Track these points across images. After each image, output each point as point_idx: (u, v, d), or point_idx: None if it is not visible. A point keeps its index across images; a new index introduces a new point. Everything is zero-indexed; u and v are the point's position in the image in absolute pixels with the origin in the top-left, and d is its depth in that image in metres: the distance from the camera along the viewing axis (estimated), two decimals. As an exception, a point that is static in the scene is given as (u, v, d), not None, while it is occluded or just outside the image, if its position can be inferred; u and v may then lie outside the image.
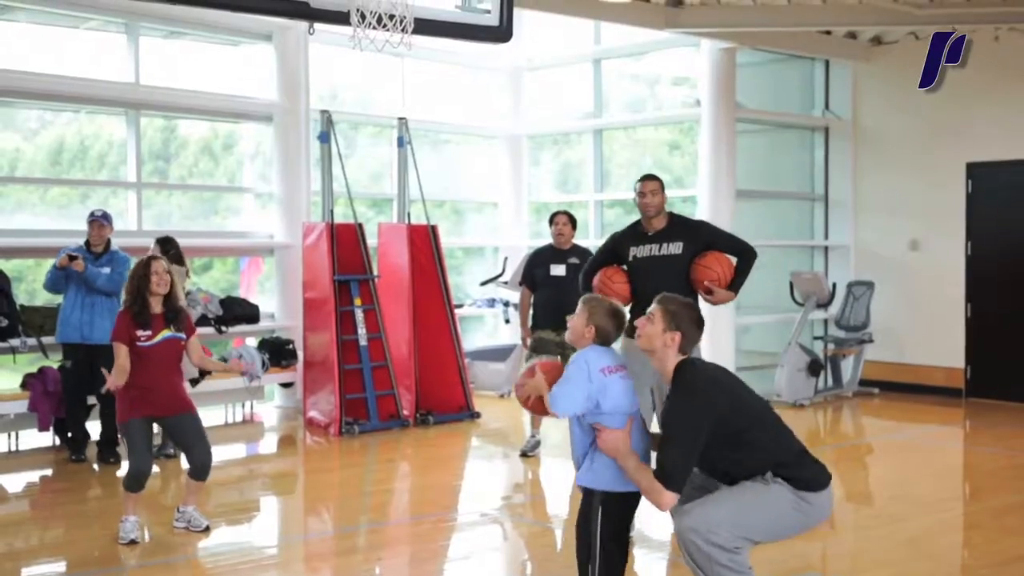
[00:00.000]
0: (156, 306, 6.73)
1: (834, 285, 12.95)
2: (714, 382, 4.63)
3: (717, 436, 4.50)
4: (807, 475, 4.62)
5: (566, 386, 4.65)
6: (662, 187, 6.79)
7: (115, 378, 6.54)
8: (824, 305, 12.83)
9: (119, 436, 8.74)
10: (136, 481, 6.69)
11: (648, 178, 6.84)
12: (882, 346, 12.94)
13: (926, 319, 12.79)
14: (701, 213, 12.49)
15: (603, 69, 14.27)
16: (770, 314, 13.44)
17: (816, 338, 13.32)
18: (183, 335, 6.82)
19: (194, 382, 9.50)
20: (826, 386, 12.82)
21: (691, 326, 4.68)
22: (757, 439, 4.61)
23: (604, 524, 4.74)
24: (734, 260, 6.72)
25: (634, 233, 6.84)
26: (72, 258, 8.70)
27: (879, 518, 7.60)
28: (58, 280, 8.93)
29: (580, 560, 4.86)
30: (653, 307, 4.73)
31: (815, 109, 13.88)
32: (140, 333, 6.65)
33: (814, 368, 12.25)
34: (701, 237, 6.74)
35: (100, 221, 9.09)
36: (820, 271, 13.46)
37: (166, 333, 6.72)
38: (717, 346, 12.30)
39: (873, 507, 8.16)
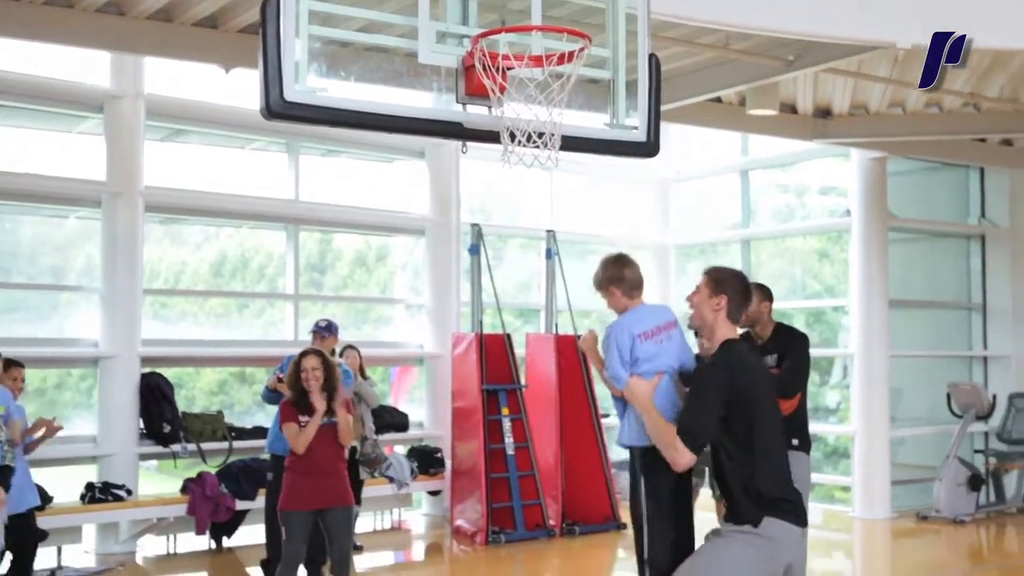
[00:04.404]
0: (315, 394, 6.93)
1: (994, 397, 12.52)
2: (743, 361, 4.69)
3: (730, 418, 4.53)
4: (788, 505, 4.58)
5: (611, 366, 4.87)
6: (762, 295, 6.51)
7: (295, 443, 6.81)
8: (984, 417, 12.40)
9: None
10: (288, 568, 6.85)
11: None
12: (1048, 461, 12.41)
13: (1095, 433, 12.23)
14: (853, 323, 12.31)
15: (751, 179, 14.27)
16: (926, 426, 13.03)
17: (976, 451, 12.85)
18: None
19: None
20: (988, 502, 12.33)
21: (736, 291, 4.78)
22: (757, 443, 4.57)
23: (648, 481, 4.79)
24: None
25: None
26: (281, 380, 8.21)
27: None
28: (272, 396, 8.58)
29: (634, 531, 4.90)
30: (701, 278, 4.86)
31: (971, 217, 13.60)
32: (301, 419, 6.87)
33: (975, 483, 11.81)
34: (788, 351, 6.41)
35: (321, 333, 8.72)
36: (979, 382, 13.04)
37: (325, 420, 6.90)
38: (871, 458, 12.00)
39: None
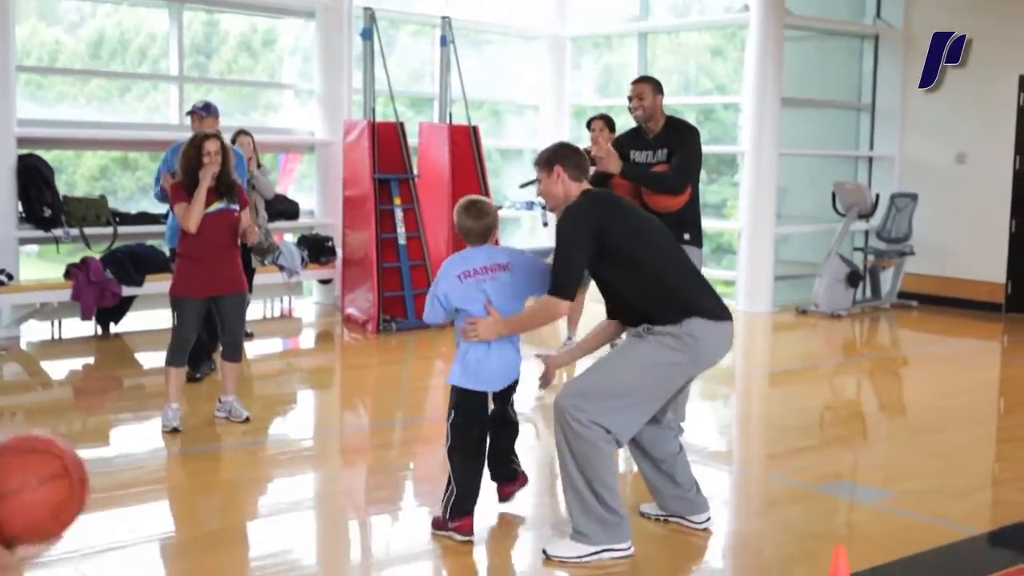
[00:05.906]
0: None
1: (877, 196, 12.82)
2: (602, 198, 4.74)
3: (613, 255, 4.59)
4: (705, 304, 4.64)
5: (428, 299, 5.03)
6: (656, 88, 6.52)
7: (186, 220, 6.59)
8: (866, 216, 12.72)
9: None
10: (179, 352, 6.79)
11: (636, 81, 6.63)
12: (923, 259, 12.83)
13: (969, 233, 12.65)
14: (745, 120, 12.37)
15: (650, -29, 14.03)
16: (811, 224, 13.34)
17: (856, 249, 13.23)
18: (236, 207, 6.81)
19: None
20: (864, 297, 12.78)
21: (566, 157, 4.78)
22: (657, 266, 4.63)
23: (456, 418, 5.11)
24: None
25: (636, 137, 6.64)
26: (174, 175, 7.52)
27: (913, 430, 7.60)
28: (167, 196, 7.80)
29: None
30: (537, 172, 4.86)
31: (866, 16, 13.60)
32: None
33: (853, 279, 12.19)
34: (678, 145, 6.42)
35: (199, 114, 8.16)
36: (863, 182, 13.32)
37: (218, 205, 6.70)
38: (756, 254, 12.28)
39: (907, 419, 8.16)
